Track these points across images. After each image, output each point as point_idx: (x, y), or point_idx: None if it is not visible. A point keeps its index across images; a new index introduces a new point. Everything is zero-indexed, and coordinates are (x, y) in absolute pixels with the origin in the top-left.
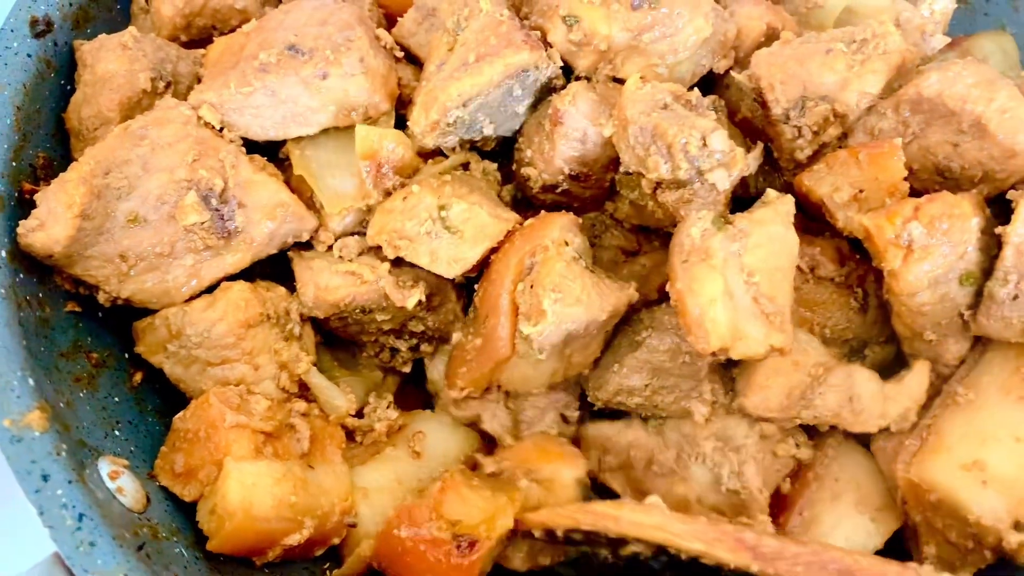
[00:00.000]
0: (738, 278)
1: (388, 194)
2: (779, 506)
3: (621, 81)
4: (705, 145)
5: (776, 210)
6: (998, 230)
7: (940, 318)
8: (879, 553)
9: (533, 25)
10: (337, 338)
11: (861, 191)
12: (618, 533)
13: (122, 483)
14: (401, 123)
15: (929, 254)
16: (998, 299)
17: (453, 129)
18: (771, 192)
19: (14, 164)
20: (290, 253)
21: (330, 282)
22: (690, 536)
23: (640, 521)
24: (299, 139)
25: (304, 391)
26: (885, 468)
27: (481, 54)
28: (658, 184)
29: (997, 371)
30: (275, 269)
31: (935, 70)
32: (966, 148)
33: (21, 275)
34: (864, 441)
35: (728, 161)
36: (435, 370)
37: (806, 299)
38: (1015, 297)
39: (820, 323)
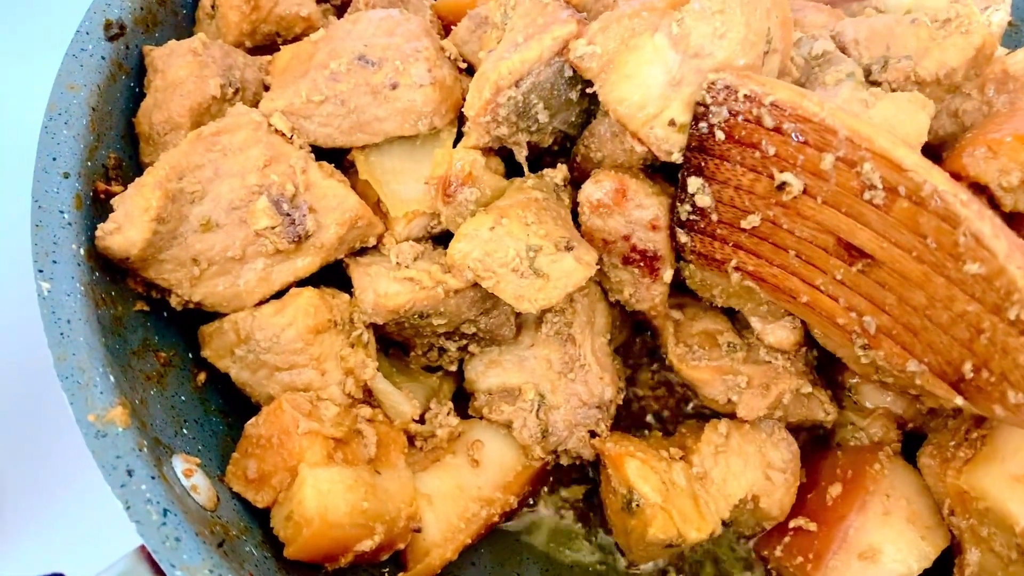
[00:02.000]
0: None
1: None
2: (828, 520)
3: None
4: None
5: (915, 95)
6: None
7: None
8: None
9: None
10: (387, 342)
11: None
12: (853, 132)
13: (195, 481)
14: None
15: None
16: None
17: (507, 111)
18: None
19: (89, 164)
20: (346, 259)
21: (389, 288)
22: (912, 153)
23: (876, 125)
24: (364, 146)
25: (368, 397)
26: (931, 483)
27: (530, 34)
28: None
29: None
30: (331, 274)
31: (1022, 50)
32: None
33: (97, 273)
34: (912, 459)
35: None
36: (474, 370)
37: None
38: None
39: None
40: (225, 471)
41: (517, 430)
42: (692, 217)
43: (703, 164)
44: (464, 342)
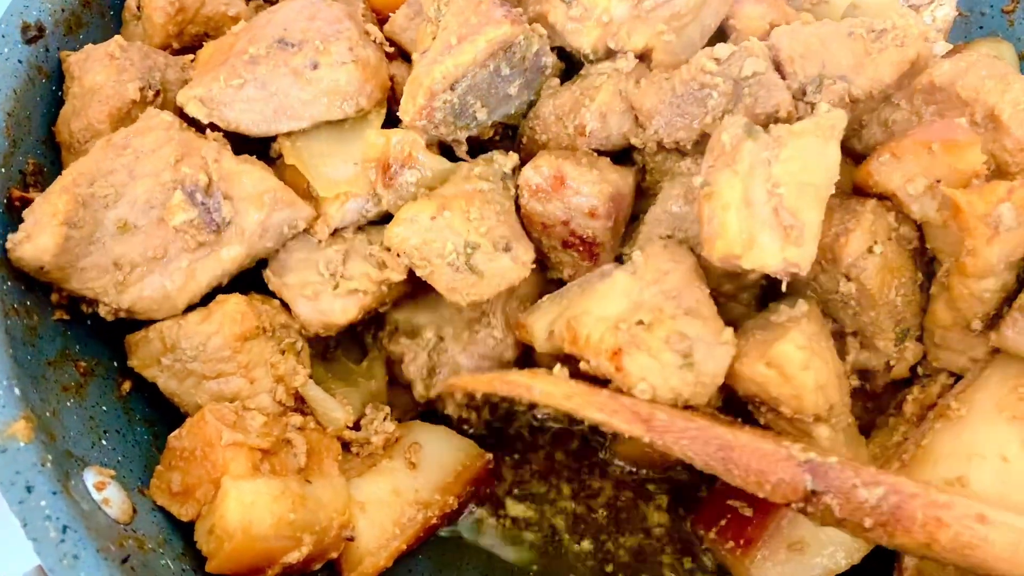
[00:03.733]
0: (762, 187)
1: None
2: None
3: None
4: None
5: (818, 123)
6: None
7: (990, 309)
8: (858, 568)
9: (532, 16)
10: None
11: (938, 181)
12: (530, 401)
13: (108, 494)
14: (394, 120)
15: (1012, 238)
16: None
17: (443, 115)
18: (823, 105)
19: (3, 171)
20: (272, 284)
21: (334, 305)
22: (593, 407)
23: (550, 391)
24: (290, 133)
25: (300, 404)
26: None
27: (462, 35)
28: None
29: (994, 388)
30: (261, 280)
31: (948, 60)
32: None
33: (8, 283)
34: None
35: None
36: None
37: (888, 260)
38: None
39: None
40: (148, 482)
41: (406, 364)
42: None
43: None
44: None
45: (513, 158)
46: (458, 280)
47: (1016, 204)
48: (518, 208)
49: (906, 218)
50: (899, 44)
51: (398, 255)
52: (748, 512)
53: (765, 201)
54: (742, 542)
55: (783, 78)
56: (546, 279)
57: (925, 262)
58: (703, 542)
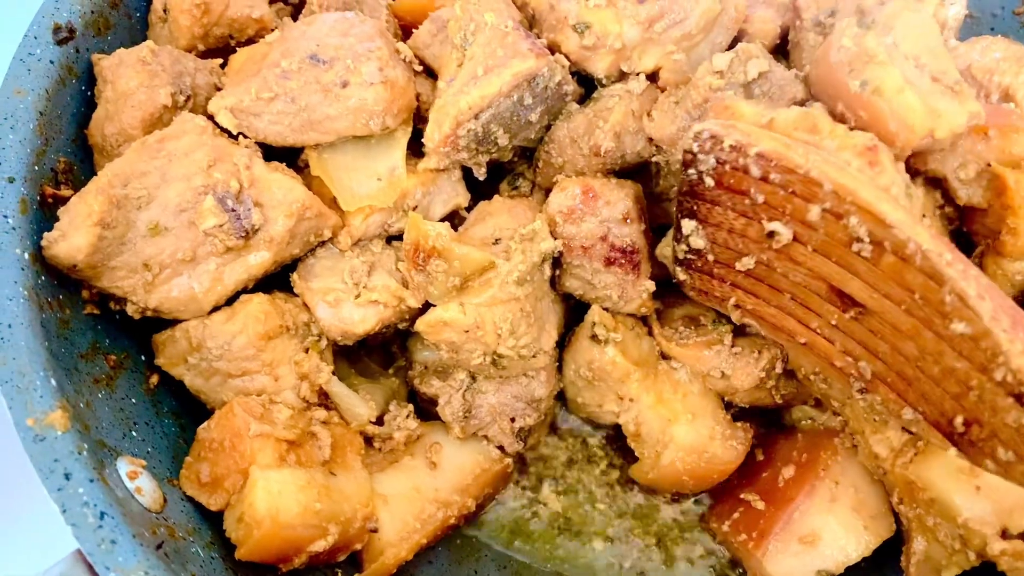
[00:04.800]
0: (909, 65)
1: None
2: (777, 501)
3: (650, 77)
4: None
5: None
6: None
7: (1018, 292)
8: (867, 561)
9: (547, 43)
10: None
11: (988, 164)
12: (837, 186)
13: (140, 483)
14: (418, 136)
15: None
16: None
17: (466, 142)
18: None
19: (36, 168)
20: (297, 287)
21: (354, 315)
22: (897, 208)
23: (861, 178)
24: (317, 145)
25: (324, 399)
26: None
27: (489, 66)
28: None
29: None
30: (285, 279)
31: (963, 43)
32: None
33: (42, 277)
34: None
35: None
36: (415, 341)
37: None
38: None
39: None
40: (178, 473)
41: (441, 406)
42: (689, 256)
43: (695, 208)
44: None
45: (551, 244)
46: (482, 369)
47: None
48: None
49: (950, 199)
50: None
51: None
52: (760, 506)
53: (920, 75)
54: (755, 535)
55: (799, 20)
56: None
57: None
58: (716, 536)
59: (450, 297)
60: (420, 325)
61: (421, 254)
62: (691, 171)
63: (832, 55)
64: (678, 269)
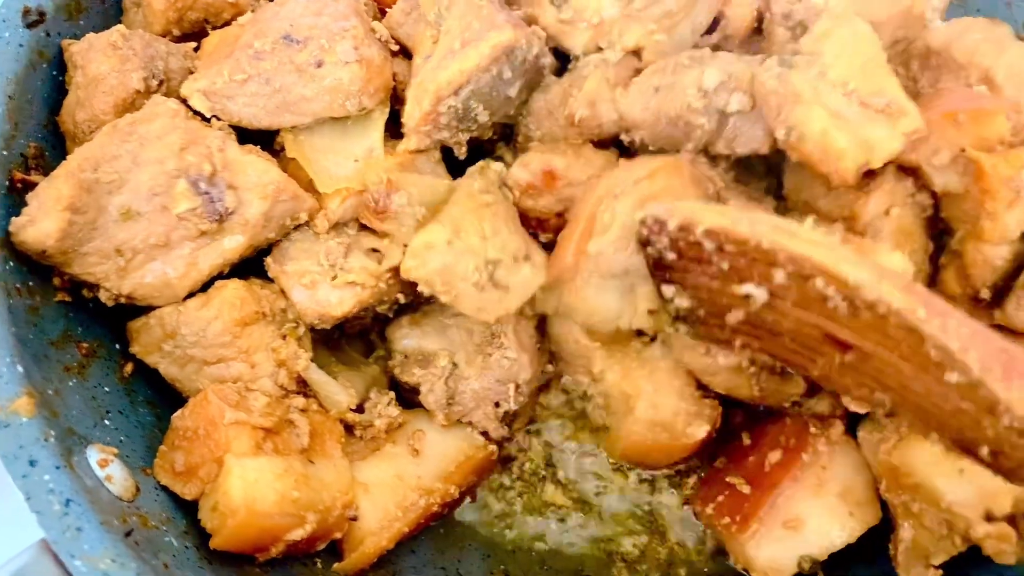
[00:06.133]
0: (835, 96)
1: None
2: (762, 485)
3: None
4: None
5: (831, 15)
6: None
7: (999, 279)
8: (852, 548)
9: (523, 17)
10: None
11: (963, 150)
12: (791, 254)
13: (111, 471)
14: (396, 119)
15: None
16: None
17: (447, 119)
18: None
19: (5, 153)
20: (271, 271)
21: (331, 296)
22: (858, 266)
23: (814, 240)
24: (293, 127)
25: (302, 387)
26: (869, 458)
27: (466, 40)
28: None
29: None
30: (261, 265)
31: (944, 24)
32: None
33: (11, 263)
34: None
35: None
36: (394, 330)
37: (903, 225)
38: None
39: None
40: (152, 462)
41: (424, 394)
42: (681, 314)
43: (669, 276)
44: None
45: (501, 165)
46: (484, 299)
47: None
48: None
49: (923, 186)
50: None
51: (419, 286)
52: (746, 489)
53: (848, 103)
54: (738, 519)
55: (769, 12)
56: None
57: (935, 235)
58: (700, 518)
59: (423, 227)
60: (407, 262)
61: (380, 199)
62: (650, 249)
63: (762, 86)
64: (677, 323)
